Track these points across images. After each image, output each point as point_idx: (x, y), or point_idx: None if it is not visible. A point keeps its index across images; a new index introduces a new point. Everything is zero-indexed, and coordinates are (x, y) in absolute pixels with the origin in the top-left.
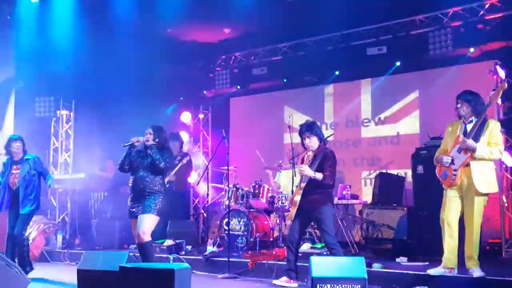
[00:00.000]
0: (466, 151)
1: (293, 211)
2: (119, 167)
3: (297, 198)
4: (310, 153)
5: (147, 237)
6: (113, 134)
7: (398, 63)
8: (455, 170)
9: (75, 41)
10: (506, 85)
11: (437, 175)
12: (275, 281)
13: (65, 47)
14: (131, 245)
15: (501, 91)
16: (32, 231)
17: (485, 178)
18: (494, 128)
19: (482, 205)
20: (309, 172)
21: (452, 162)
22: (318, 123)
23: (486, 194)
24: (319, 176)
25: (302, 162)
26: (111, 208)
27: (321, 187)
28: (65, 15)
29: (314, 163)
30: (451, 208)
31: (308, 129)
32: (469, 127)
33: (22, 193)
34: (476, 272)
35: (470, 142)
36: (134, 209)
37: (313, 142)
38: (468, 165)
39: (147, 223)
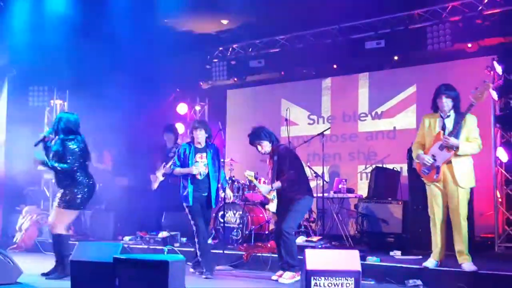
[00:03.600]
0: (449, 149)
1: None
2: None
3: (271, 206)
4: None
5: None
6: (108, 124)
7: (396, 58)
8: (437, 166)
9: (70, 30)
10: (491, 85)
11: (417, 170)
12: (281, 280)
13: (59, 35)
14: (126, 236)
15: (486, 91)
16: (25, 222)
17: (466, 174)
18: (472, 123)
19: (466, 197)
20: (267, 189)
21: (434, 159)
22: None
23: (469, 188)
24: (278, 186)
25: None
26: (106, 199)
27: (288, 187)
28: (60, 4)
29: (274, 167)
30: (438, 204)
31: (256, 137)
32: (447, 121)
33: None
34: (468, 266)
35: (453, 140)
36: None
37: (265, 147)
38: (450, 161)
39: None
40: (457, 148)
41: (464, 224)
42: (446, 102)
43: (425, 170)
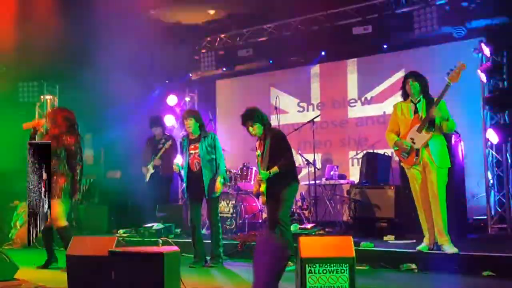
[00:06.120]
0: (428, 131)
1: (263, 198)
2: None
3: (263, 187)
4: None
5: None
6: (99, 117)
7: (384, 43)
8: (417, 149)
9: (58, 24)
10: (465, 66)
11: (397, 156)
12: None
13: (47, 30)
14: (120, 229)
15: (461, 71)
16: (20, 218)
17: (441, 154)
18: (442, 105)
19: (443, 178)
20: (265, 175)
21: (413, 142)
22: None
23: (446, 168)
24: (275, 170)
25: (256, 149)
26: (99, 193)
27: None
28: None
29: (266, 150)
30: (419, 187)
31: (249, 118)
32: (419, 106)
33: None
34: (449, 248)
35: (437, 111)
36: None
37: (257, 129)
38: (427, 144)
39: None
40: (442, 118)
41: (443, 204)
42: (413, 86)
43: (405, 154)
